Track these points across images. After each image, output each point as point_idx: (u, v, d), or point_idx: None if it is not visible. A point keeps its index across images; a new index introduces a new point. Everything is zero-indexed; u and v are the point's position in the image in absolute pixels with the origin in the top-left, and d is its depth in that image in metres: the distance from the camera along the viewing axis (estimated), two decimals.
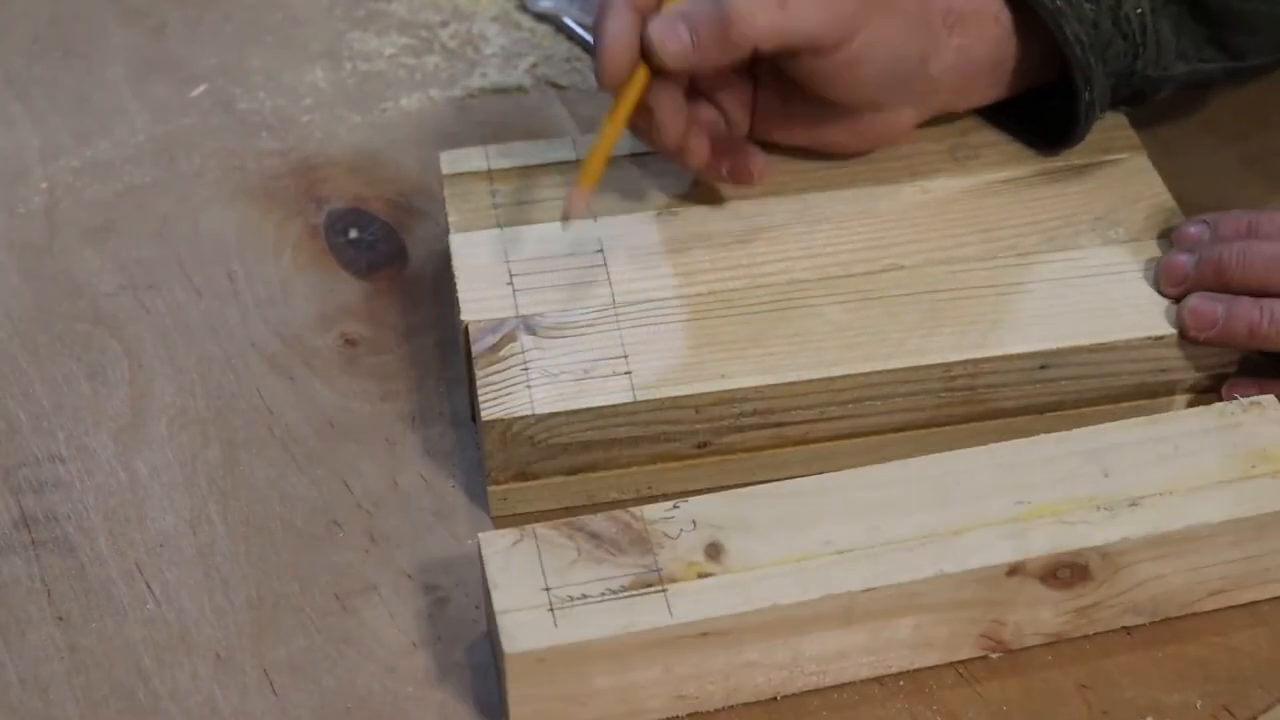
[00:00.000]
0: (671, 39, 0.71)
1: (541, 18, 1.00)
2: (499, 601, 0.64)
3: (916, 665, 0.68)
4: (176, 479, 0.75)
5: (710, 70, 0.74)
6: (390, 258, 0.86)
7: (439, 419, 0.78)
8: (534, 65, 0.97)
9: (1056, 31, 0.75)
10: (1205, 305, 0.73)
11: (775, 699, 0.67)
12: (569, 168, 0.81)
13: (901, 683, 0.68)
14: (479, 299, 0.75)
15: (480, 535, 0.66)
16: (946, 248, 0.76)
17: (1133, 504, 0.66)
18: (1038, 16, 0.76)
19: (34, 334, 0.82)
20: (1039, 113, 0.80)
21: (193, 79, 0.97)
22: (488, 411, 0.70)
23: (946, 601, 0.65)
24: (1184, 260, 0.74)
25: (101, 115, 0.94)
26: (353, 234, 0.87)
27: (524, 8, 1.01)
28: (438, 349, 0.81)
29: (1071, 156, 0.81)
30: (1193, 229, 0.76)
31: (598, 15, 0.73)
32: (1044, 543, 0.65)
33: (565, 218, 0.74)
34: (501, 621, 0.63)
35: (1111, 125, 0.82)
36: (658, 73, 0.73)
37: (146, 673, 0.68)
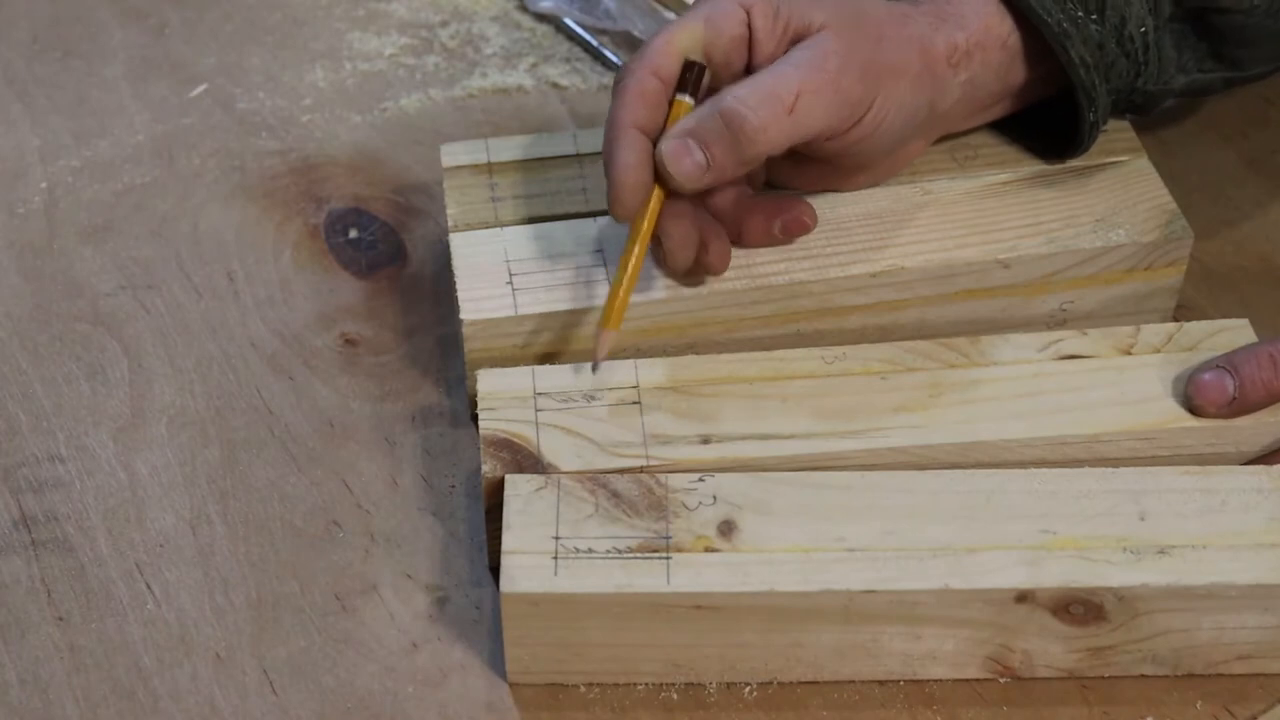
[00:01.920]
0: (686, 160, 0.71)
1: (541, 18, 1.00)
2: (508, 542, 0.65)
3: (920, 676, 0.67)
4: (176, 479, 0.75)
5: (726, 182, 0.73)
6: (390, 257, 0.86)
7: (439, 419, 0.78)
8: (534, 65, 0.97)
9: (1062, 54, 0.75)
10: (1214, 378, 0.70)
11: (771, 684, 0.67)
12: (569, 161, 0.81)
13: (901, 683, 0.68)
14: (479, 299, 0.75)
15: (507, 476, 0.67)
16: (947, 249, 0.76)
17: (1161, 551, 0.65)
18: (1044, 38, 0.75)
19: (34, 334, 0.82)
20: (1042, 123, 0.80)
21: (193, 79, 0.97)
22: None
23: (950, 618, 0.65)
24: None
25: (101, 115, 0.94)
26: (352, 234, 0.87)
27: (524, 8, 1.01)
28: (438, 349, 0.81)
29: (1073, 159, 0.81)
30: (1211, 380, 0.70)
31: (607, 144, 0.72)
32: (1059, 575, 0.64)
33: (595, 365, 0.72)
34: (505, 561, 0.65)
35: (1112, 128, 0.82)
36: (673, 194, 0.72)
37: (146, 673, 0.68)
